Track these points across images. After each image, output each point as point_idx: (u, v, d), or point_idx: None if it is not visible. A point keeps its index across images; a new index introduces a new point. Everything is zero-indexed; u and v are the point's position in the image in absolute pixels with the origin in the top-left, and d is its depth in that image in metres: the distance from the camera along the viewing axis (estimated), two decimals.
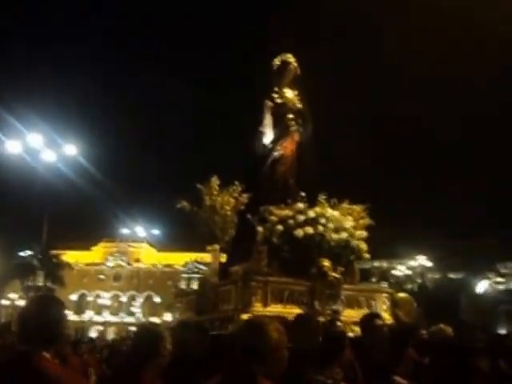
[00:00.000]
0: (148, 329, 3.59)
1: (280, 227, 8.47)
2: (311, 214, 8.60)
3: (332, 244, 8.52)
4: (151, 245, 61.48)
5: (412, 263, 52.09)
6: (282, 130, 9.84)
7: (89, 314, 59.51)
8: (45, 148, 20.48)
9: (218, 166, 10.90)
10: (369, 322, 5.19)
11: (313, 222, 8.52)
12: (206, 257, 11.67)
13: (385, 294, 9.01)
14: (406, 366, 4.84)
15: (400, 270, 52.97)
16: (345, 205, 9.33)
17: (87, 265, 60.85)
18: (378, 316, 5.35)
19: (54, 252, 37.29)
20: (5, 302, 41.65)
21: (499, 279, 56.49)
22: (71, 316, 54.75)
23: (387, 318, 7.51)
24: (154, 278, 60.70)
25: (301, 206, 8.71)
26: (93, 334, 47.82)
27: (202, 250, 10.97)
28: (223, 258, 9.76)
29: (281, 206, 8.80)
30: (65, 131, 23.77)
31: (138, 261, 61.84)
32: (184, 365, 4.12)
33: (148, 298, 60.65)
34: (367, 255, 9.06)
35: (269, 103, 9.89)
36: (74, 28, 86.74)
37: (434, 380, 4.51)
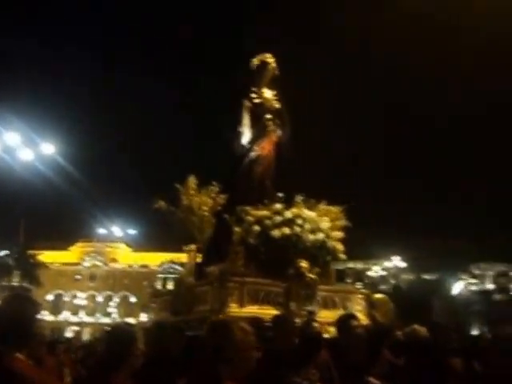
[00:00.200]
0: (121, 329, 3.55)
1: (257, 228, 8.45)
2: (288, 214, 8.60)
3: (308, 245, 8.52)
4: (128, 245, 61.00)
5: (387, 264, 52.76)
6: (259, 131, 9.82)
7: (65, 315, 58.74)
8: (22, 147, 20.19)
9: (196, 166, 10.85)
10: (345, 322, 5.18)
11: (289, 222, 8.51)
12: (183, 257, 11.58)
13: (360, 295, 9.07)
14: (382, 367, 4.86)
15: (375, 270, 53.60)
16: (322, 206, 9.34)
17: (64, 265, 60.13)
18: (353, 317, 5.36)
19: (31, 252, 36.75)
20: None
21: (472, 280, 57.57)
22: (47, 316, 54.03)
23: (362, 318, 7.54)
24: (130, 278, 60.21)
25: (278, 206, 8.70)
26: (69, 334, 47.22)
27: (179, 250, 10.89)
28: (200, 258, 9.70)
29: (258, 206, 8.77)
30: (42, 130, 23.45)
31: (114, 261, 61.28)
32: (160, 365, 4.08)
33: (124, 299, 60.12)
34: (343, 256, 9.10)
35: (247, 103, 9.86)
36: (49, 27, 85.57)
37: (409, 381, 4.54)
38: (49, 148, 21.28)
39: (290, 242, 8.39)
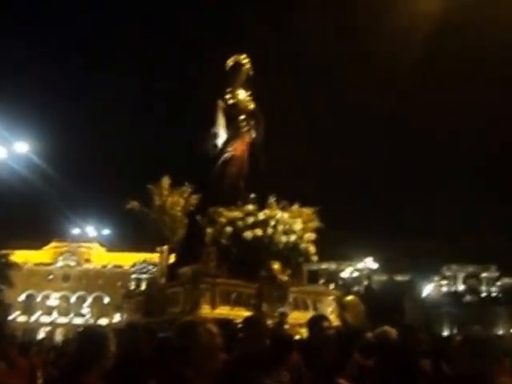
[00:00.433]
0: (92, 330, 3.51)
1: (229, 229, 8.43)
2: (261, 216, 8.60)
3: (281, 246, 8.54)
4: (102, 245, 60.31)
5: (359, 265, 53.28)
6: (233, 131, 9.81)
7: (37, 315, 57.73)
8: None
9: (169, 167, 10.77)
10: (315, 324, 5.21)
11: (262, 224, 8.51)
12: (156, 257, 11.49)
13: (331, 297, 9.13)
14: (352, 369, 4.89)
15: (348, 272, 54.05)
16: (294, 207, 9.37)
17: (36, 265, 59.11)
18: (324, 318, 5.39)
19: (3, 252, 36.07)
20: None
21: (443, 281, 58.48)
22: (19, 317, 53.03)
23: (334, 320, 7.59)
24: (104, 279, 59.49)
25: (250, 207, 8.69)
26: (41, 335, 46.41)
27: (153, 250, 10.80)
28: (172, 259, 9.63)
29: (230, 207, 8.75)
30: (16, 128, 23.06)
31: (88, 261, 60.49)
32: (131, 366, 4.04)
33: (97, 299, 59.35)
34: (315, 258, 9.14)
35: (221, 104, 9.83)
36: (22, 27, 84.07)
37: (378, 382, 4.58)
38: (22, 146, 21.03)
39: (262, 243, 8.39)
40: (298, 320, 7.47)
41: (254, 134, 10.05)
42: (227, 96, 10.05)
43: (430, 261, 54.91)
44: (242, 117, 10.01)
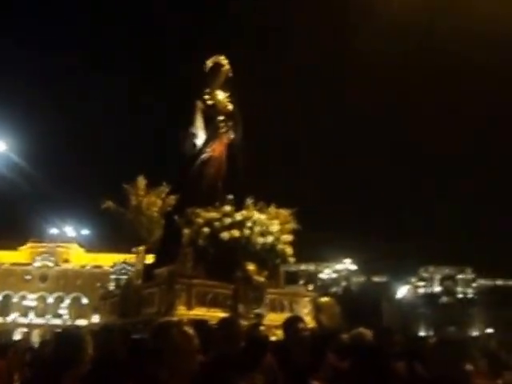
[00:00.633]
0: (69, 333, 3.47)
1: (206, 229, 8.41)
2: (238, 217, 8.60)
3: (258, 247, 8.55)
4: (81, 245, 59.67)
5: (338, 267, 53.64)
6: (211, 132, 9.78)
7: (13, 316, 56.82)
8: None
9: (146, 167, 10.71)
10: (290, 325, 5.23)
11: (239, 225, 8.51)
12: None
13: (308, 298, 9.15)
14: (326, 371, 4.91)
15: (326, 273, 54.39)
16: (272, 209, 9.39)
17: (13, 265, 58.22)
18: (300, 319, 5.41)
19: None
20: None
21: (420, 283, 59.16)
22: None
23: (310, 321, 7.62)
24: (83, 279, 58.85)
25: (227, 208, 8.69)
26: (17, 336, 45.61)
27: (130, 250, 10.70)
28: (149, 260, 9.58)
29: (208, 208, 8.73)
30: None
31: (66, 261, 59.75)
32: (105, 368, 4.01)
33: (76, 300, 58.67)
34: (292, 259, 9.17)
35: (199, 104, 9.81)
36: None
37: None
38: (0, 145, 20.89)
39: (239, 244, 8.39)
40: (274, 321, 7.47)
41: (232, 135, 10.04)
42: (206, 96, 10.02)
43: (407, 263, 55.52)
44: (221, 118, 10.00)
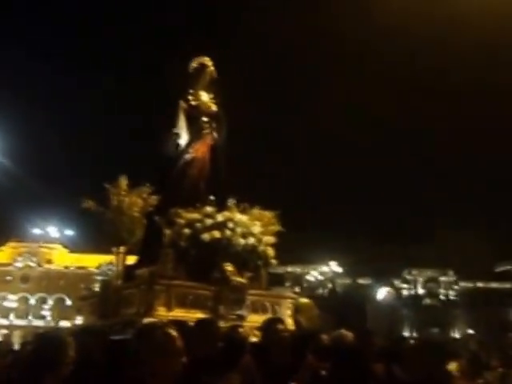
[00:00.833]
0: (49, 335, 3.41)
1: (187, 230, 8.38)
2: (219, 217, 8.58)
3: (239, 249, 8.54)
4: (64, 246, 59.00)
5: (324, 269, 53.81)
6: (195, 133, 9.76)
7: None
8: None
9: (128, 166, 10.64)
10: (269, 326, 5.23)
11: (220, 226, 8.50)
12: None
13: (290, 300, 9.14)
14: (305, 372, 4.91)
15: (312, 275, 54.53)
16: (255, 210, 9.39)
17: None
18: (279, 321, 5.40)
19: None
20: None
21: (404, 285, 59.68)
22: None
23: (291, 323, 7.62)
24: (66, 280, 58.15)
25: (209, 209, 8.67)
26: None
27: (110, 251, 10.58)
28: (130, 260, 9.51)
29: (189, 209, 8.70)
30: None
31: (49, 262, 59.03)
32: (83, 370, 3.96)
33: (59, 301, 58.01)
34: (274, 261, 9.17)
35: (183, 104, 9.78)
36: None
37: None
38: None
39: (220, 245, 8.37)
40: (256, 323, 7.45)
41: (215, 137, 10.02)
42: (189, 97, 10.00)
43: (391, 265, 55.93)
44: (205, 119, 9.98)
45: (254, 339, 6.33)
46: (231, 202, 8.96)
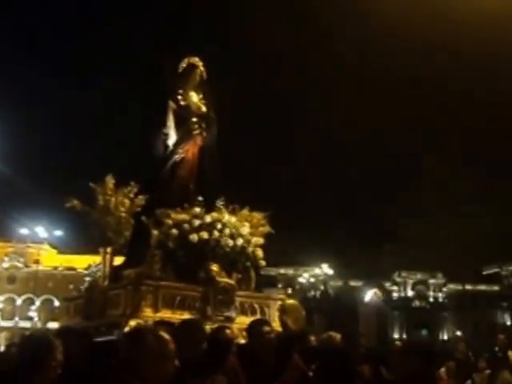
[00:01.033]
0: (35, 336, 3.33)
1: (175, 231, 8.32)
2: (207, 218, 8.54)
3: (227, 250, 8.50)
4: (53, 246, 58.49)
5: (317, 271, 53.95)
6: (184, 133, 9.70)
7: None
8: None
9: (116, 166, 10.55)
10: (255, 328, 5.20)
11: (208, 227, 8.45)
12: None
13: (279, 301, 9.10)
14: (291, 374, 4.88)
15: (304, 277, 54.65)
16: (244, 211, 9.35)
17: None
18: (266, 322, 5.38)
19: None
20: None
21: (394, 287, 60.06)
22: None
23: (277, 325, 7.59)
24: (54, 281, 57.72)
25: (197, 210, 8.62)
26: None
27: (97, 251, 10.48)
28: (118, 261, 9.42)
29: (177, 209, 8.65)
30: None
31: (37, 262, 58.44)
32: (64, 373, 3.88)
33: (47, 302, 57.51)
34: (263, 262, 9.13)
35: (172, 104, 9.71)
36: None
37: None
38: None
39: (208, 246, 8.33)
40: (244, 325, 7.41)
41: (205, 137, 9.97)
42: (179, 97, 9.93)
43: (381, 268, 56.22)
44: (194, 119, 9.93)
45: (242, 341, 6.30)
46: (220, 202, 8.92)
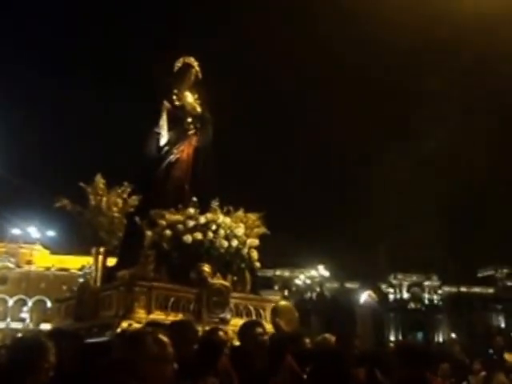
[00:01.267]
0: (27, 339, 3.26)
1: (169, 232, 8.25)
2: (202, 219, 8.47)
3: (222, 251, 8.43)
4: (45, 247, 58.13)
5: (313, 273, 54.03)
6: (179, 134, 9.64)
7: None
8: None
9: (111, 166, 10.47)
10: (248, 329, 5.14)
11: (203, 228, 8.38)
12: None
13: (274, 303, 9.04)
14: (284, 375, 4.84)
15: (301, 279, 54.72)
16: (239, 212, 9.29)
17: None
18: (258, 324, 5.32)
19: None
20: None
21: (390, 289, 60.21)
22: None
23: (270, 326, 7.53)
24: (47, 282, 57.32)
25: (191, 211, 8.55)
26: None
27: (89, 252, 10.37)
28: (111, 262, 9.33)
29: (171, 210, 8.58)
30: None
31: (29, 263, 58.05)
32: (56, 375, 3.81)
33: (39, 303, 57.12)
34: (258, 264, 9.07)
35: (167, 104, 9.64)
36: None
37: None
38: None
39: (202, 247, 8.26)
40: (238, 326, 7.35)
41: (200, 138, 9.91)
42: (174, 97, 9.86)
43: (377, 269, 56.34)
44: (189, 119, 9.87)
45: (237, 343, 6.24)
46: (215, 203, 8.85)
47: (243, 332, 5.15)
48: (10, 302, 56.80)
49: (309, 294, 56.65)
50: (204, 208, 8.85)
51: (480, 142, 54.09)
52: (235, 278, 8.70)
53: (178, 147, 9.62)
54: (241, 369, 4.64)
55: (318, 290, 57.74)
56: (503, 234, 49.29)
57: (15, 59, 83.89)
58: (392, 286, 60.23)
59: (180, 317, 7.20)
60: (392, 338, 54.09)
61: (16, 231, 51.18)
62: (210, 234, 8.39)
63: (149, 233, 8.21)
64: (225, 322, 7.76)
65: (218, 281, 7.95)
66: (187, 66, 10.15)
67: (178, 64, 10.16)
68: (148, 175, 9.41)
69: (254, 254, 9.00)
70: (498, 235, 51.18)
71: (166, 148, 9.52)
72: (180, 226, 8.30)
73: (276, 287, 52.96)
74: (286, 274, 56.89)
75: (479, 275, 62.07)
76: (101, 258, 8.73)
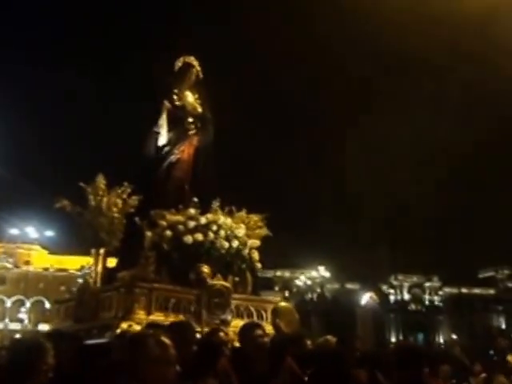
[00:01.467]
0: (26, 341, 3.23)
1: (169, 233, 8.20)
2: (202, 220, 8.42)
3: (222, 252, 8.38)
4: (44, 247, 57.96)
5: (314, 273, 54.02)
6: (180, 134, 9.58)
7: None
8: None
9: (111, 166, 10.41)
10: (247, 331, 5.10)
11: (203, 228, 8.33)
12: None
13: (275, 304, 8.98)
14: (284, 377, 4.80)
15: (301, 279, 54.68)
16: (241, 213, 9.25)
17: None
18: (258, 326, 5.27)
19: None
20: None
21: (391, 290, 60.19)
22: None
23: (270, 328, 7.48)
24: (46, 282, 57.11)
25: (192, 211, 8.50)
26: None
27: (88, 253, 10.31)
28: (111, 263, 9.27)
29: (172, 210, 8.53)
30: None
31: (27, 263, 57.94)
32: (55, 376, 3.76)
33: (37, 304, 56.97)
34: (259, 265, 9.03)
35: (167, 104, 9.58)
36: None
37: None
38: None
39: (203, 248, 8.21)
40: (238, 328, 7.30)
41: (201, 138, 9.86)
42: (174, 97, 9.80)
43: (379, 270, 56.31)
44: (190, 119, 9.82)
45: (237, 344, 6.19)
46: (216, 204, 8.81)
47: (243, 334, 5.10)
48: (8, 303, 56.63)
49: (309, 295, 56.58)
50: (205, 208, 8.80)
51: (480, 141, 54.11)
52: (236, 279, 8.65)
53: (179, 147, 9.57)
54: (241, 371, 4.59)
55: (318, 290, 57.69)
56: (504, 235, 49.25)
57: (15, 59, 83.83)
58: (393, 286, 60.18)
59: (180, 318, 7.14)
60: (392, 339, 54.03)
61: (14, 231, 51.06)
62: (211, 235, 8.34)
63: (149, 233, 8.15)
64: (225, 323, 7.70)
65: (219, 282, 7.89)
66: (188, 66, 10.10)
67: (179, 63, 10.10)
68: (148, 175, 9.36)
69: (255, 255, 8.96)
70: (498, 236, 51.14)
71: (167, 148, 9.46)
72: (180, 227, 8.25)
73: (276, 288, 52.87)
74: (287, 274, 56.84)
75: (480, 276, 62.02)
76: (101, 258, 8.67)
